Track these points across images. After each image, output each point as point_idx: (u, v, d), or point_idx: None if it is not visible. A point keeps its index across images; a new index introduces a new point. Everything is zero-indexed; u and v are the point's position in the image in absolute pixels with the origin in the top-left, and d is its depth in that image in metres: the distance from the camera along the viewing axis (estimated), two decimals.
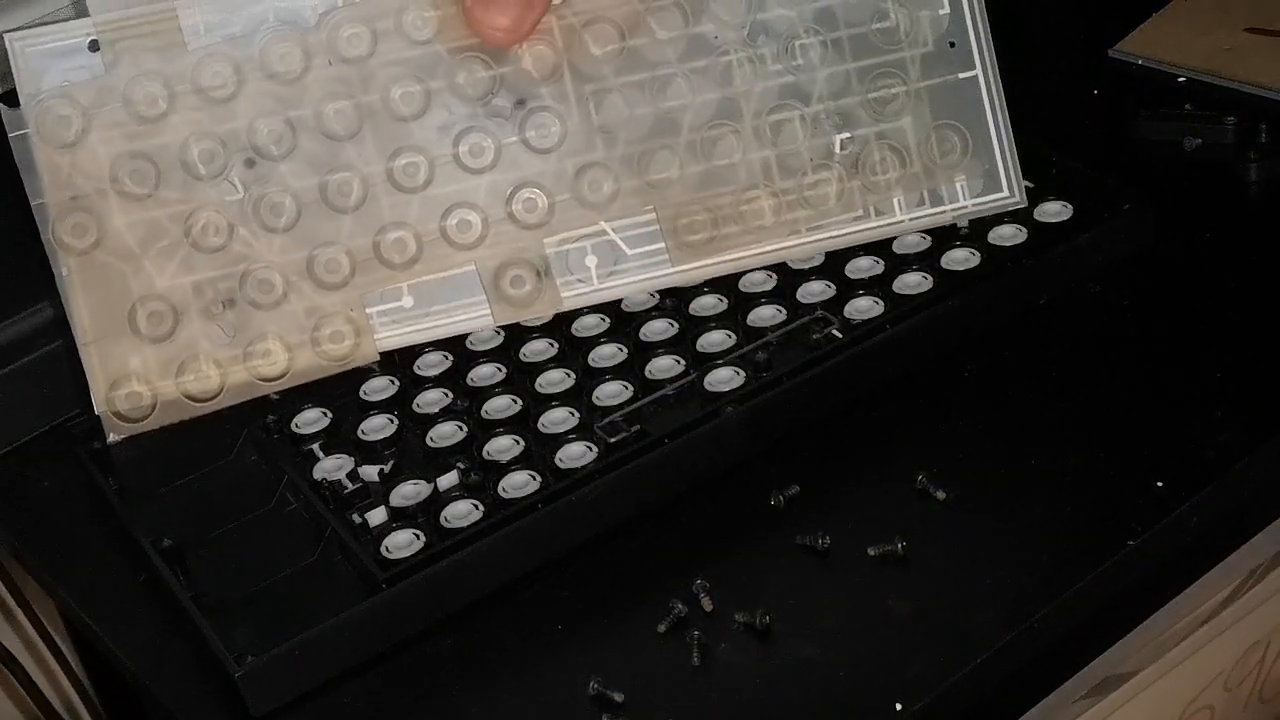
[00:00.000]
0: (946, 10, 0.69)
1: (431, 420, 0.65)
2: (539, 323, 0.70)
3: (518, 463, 0.62)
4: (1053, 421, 0.63)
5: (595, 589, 0.60)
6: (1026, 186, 0.71)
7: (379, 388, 0.68)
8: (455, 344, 0.69)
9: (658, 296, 0.69)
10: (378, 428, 0.66)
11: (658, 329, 0.68)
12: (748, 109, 0.68)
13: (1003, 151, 0.69)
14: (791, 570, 0.59)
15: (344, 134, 0.65)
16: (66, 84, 0.63)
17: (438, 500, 0.61)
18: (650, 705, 0.55)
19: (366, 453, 0.65)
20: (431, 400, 0.67)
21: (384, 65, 0.65)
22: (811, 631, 0.56)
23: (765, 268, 0.69)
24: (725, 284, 0.69)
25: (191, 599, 0.59)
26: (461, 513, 0.60)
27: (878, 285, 0.68)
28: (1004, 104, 0.69)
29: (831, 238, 0.69)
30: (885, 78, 0.68)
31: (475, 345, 0.69)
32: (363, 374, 0.68)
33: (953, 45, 0.69)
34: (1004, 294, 0.68)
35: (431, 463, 0.63)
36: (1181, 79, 0.82)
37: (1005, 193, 0.70)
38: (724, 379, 0.64)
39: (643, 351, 0.67)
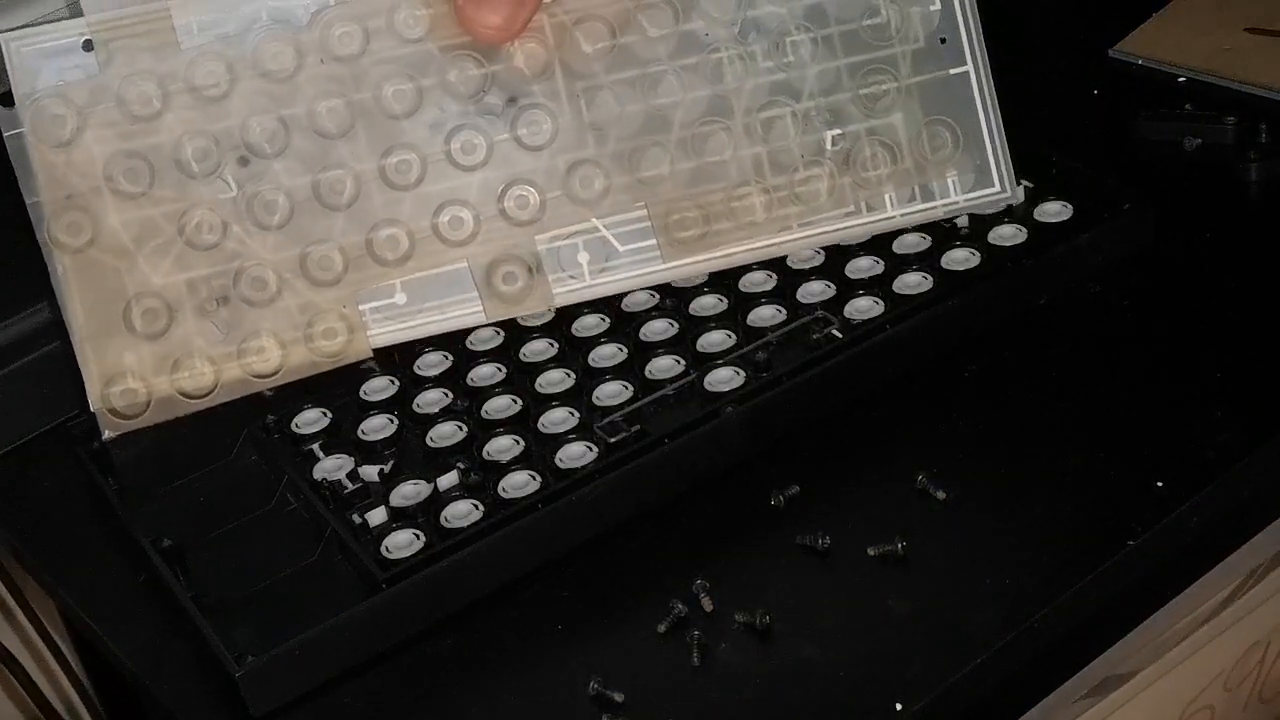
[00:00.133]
0: (937, 6, 0.69)
1: (431, 420, 0.65)
2: (539, 323, 0.70)
3: (518, 463, 0.62)
4: (1053, 421, 0.63)
5: (595, 589, 0.60)
6: (1026, 186, 0.71)
7: (379, 388, 0.68)
8: (455, 344, 0.69)
9: (657, 296, 0.69)
10: (378, 428, 0.66)
11: (658, 329, 0.68)
12: (739, 106, 0.68)
13: (994, 146, 0.69)
14: (791, 570, 0.59)
15: (336, 132, 0.65)
16: (61, 83, 0.63)
17: (438, 500, 0.61)
18: (650, 705, 0.55)
19: (366, 453, 0.65)
20: (431, 400, 0.67)
21: (376, 63, 0.65)
22: (811, 631, 0.56)
23: (765, 268, 0.69)
24: (725, 284, 0.69)
25: (191, 599, 0.59)
26: (461, 513, 0.60)
27: (878, 285, 0.68)
28: (995, 99, 0.69)
29: (823, 234, 0.69)
30: (876, 74, 0.68)
31: (475, 345, 0.69)
32: (363, 374, 0.68)
33: (944, 41, 0.69)
34: (1004, 294, 0.68)
35: (431, 463, 0.63)
36: (1181, 79, 0.82)
37: (997, 188, 0.70)
38: (724, 379, 0.64)
39: (643, 351, 0.67)
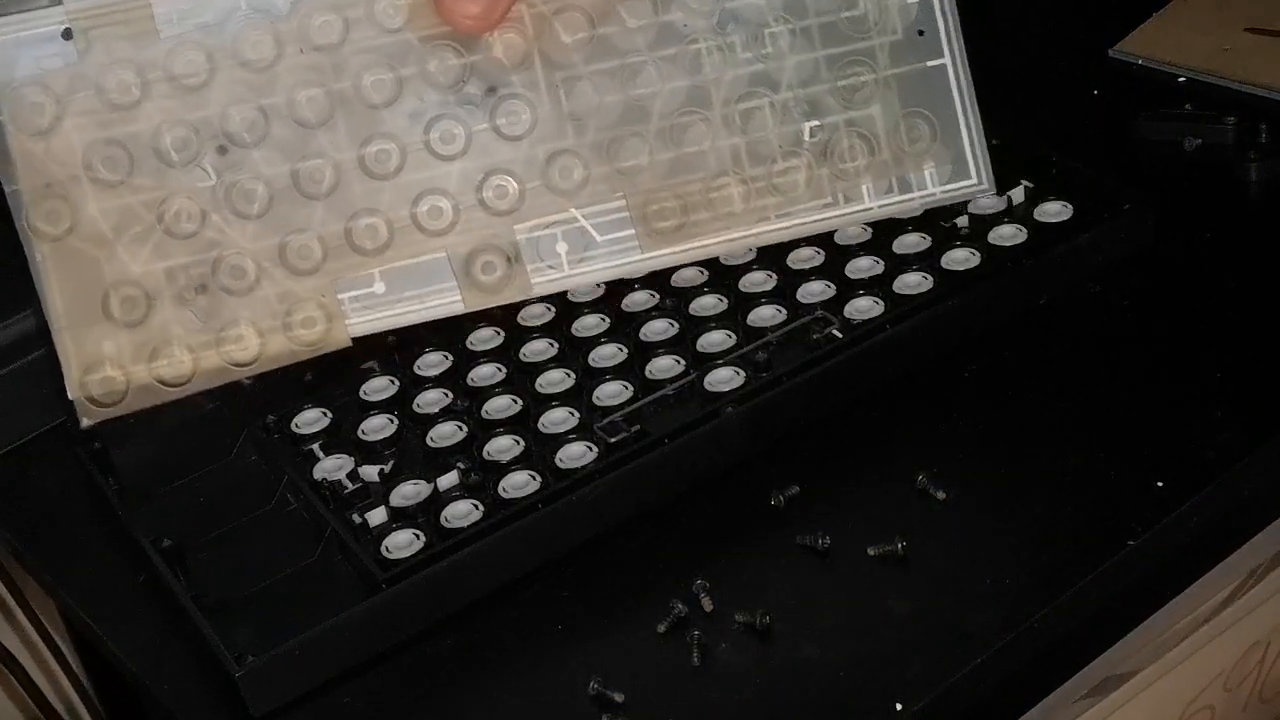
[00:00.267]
0: None
1: (431, 420, 0.65)
2: (539, 323, 0.70)
3: (518, 463, 0.62)
4: (1053, 421, 0.63)
5: (595, 589, 0.60)
6: (1026, 186, 0.71)
7: (379, 388, 0.68)
8: (455, 344, 0.69)
9: (657, 296, 0.70)
10: (378, 428, 0.66)
11: (658, 329, 0.68)
12: (717, 97, 0.68)
13: (971, 139, 0.70)
14: (791, 570, 0.59)
15: (316, 121, 0.65)
16: (40, 72, 0.63)
17: (438, 500, 0.61)
18: (650, 705, 0.55)
19: (366, 453, 0.65)
20: (431, 400, 0.67)
21: (355, 53, 0.65)
22: (811, 631, 0.56)
23: (765, 268, 0.69)
24: (725, 284, 0.69)
25: (191, 599, 0.59)
26: (461, 513, 0.60)
27: (878, 285, 0.68)
28: (973, 92, 0.69)
29: (801, 224, 0.69)
30: (854, 66, 0.69)
31: (475, 345, 0.69)
32: (363, 374, 0.68)
33: (921, 34, 0.69)
34: (1004, 294, 0.68)
35: (431, 463, 0.63)
36: (1181, 79, 0.82)
37: (974, 180, 0.70)
38: (724, 379, 0.64)
39: (643, 351, 0.67)
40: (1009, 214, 0.70)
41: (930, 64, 0.69)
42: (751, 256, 0.70)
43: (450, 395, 0.67)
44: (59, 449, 0.70)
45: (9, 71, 0.63)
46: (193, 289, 0.65)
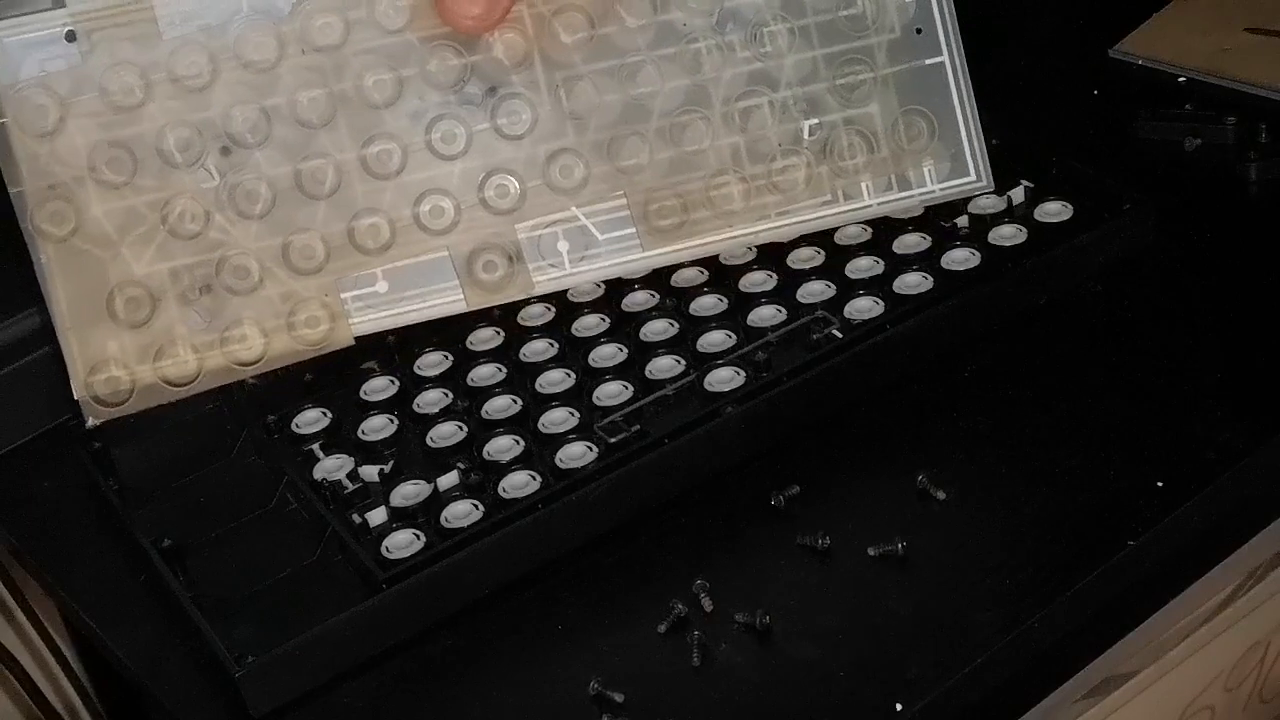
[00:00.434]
0: None
1: (431, 420, 0.65)
2: (539, 323, 0.70)
3: (518, 463, 0.62)
4: (1053, 421, 0.63)
5: (595, 589, 0.60)
6: (1026, 186, 0.71)
7: (379, 388, 0.68)
8: (455, 344, 0.69)
9: (657, 296, 0.70)
10: (378, 428, 0.66)
11: (658, 329, 0.68)
12: (717, 95, 0.68)
13: (969, 136, 0.70)
14: (791, 570, 0.59)
15: (318, 122, 0.66)
16: (44, 74, 0.64)
17: (438, 500, 0.61)
18: (650, 705, 0.55)
19: (366, 453, 0.65)
20: (431, 400, 0.67)
21: (357, 54, 0.66)
22: (811, 632, 0.56)
23: (765, 268, 0.69)
24: (725, 284, 0.69)
25: (191, 599, 0.59)
26: (461, 513, 0.60)
27: (878, 285, 0.68)
28: (971, 89, 0.70)
29: (800, 222, 0.70)
30: (852, 64, 0.69)
31: (475, 345, 0.69)
32: (363, 374, 0.68)
33: (919, 32, 0.69)
34: (1004, 294, 0.68)
35: (431, 463, 0.64)
36: (1181, 79, 0.82)
37: (973, 177, 0.70)
38: (724, 379, 0.64)
39: (643, 351, 0.67)
40: (1009, 214, 0.70)
41: (928, 62, 0.69)
42: (751, 256, 0.70)
43: (450, 395, 0.67)
44: (59, 449, 0.70)
45: (13, 73, 0.63)
46: (197, 289, 0.66)
